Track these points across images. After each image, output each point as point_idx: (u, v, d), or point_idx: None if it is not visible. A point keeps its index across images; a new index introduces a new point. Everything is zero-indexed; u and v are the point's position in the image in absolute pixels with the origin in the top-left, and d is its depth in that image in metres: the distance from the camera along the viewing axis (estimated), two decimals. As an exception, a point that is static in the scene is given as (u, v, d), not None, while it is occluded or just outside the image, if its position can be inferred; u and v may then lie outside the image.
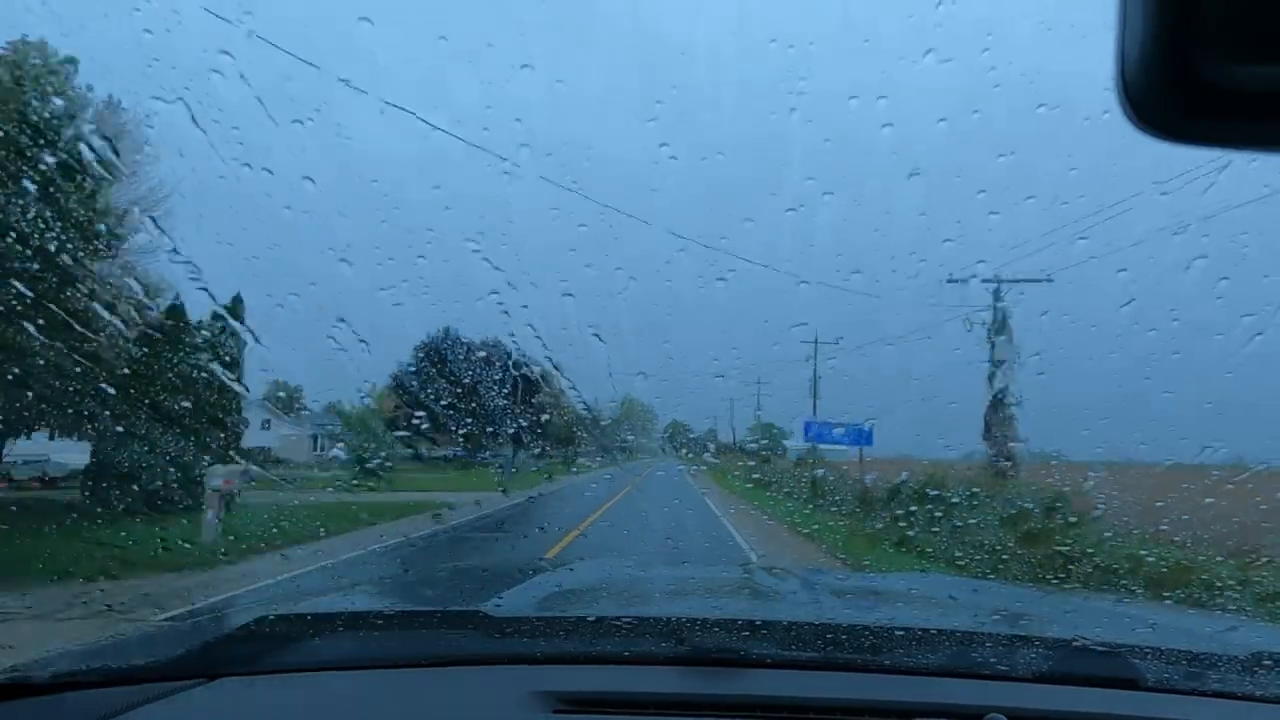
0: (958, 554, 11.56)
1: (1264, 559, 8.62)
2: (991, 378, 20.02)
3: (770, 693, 1.44)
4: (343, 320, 5.20)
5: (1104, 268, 16.85)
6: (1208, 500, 9.32)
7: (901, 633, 1.65)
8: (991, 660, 1.56)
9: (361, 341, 5.49)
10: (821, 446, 29.40)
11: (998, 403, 20.03)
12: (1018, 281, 20.26)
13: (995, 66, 8.05)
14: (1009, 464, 18.82)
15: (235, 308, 14.92)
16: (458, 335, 33.87)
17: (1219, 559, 8.79)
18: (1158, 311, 7.31)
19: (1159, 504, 10.68)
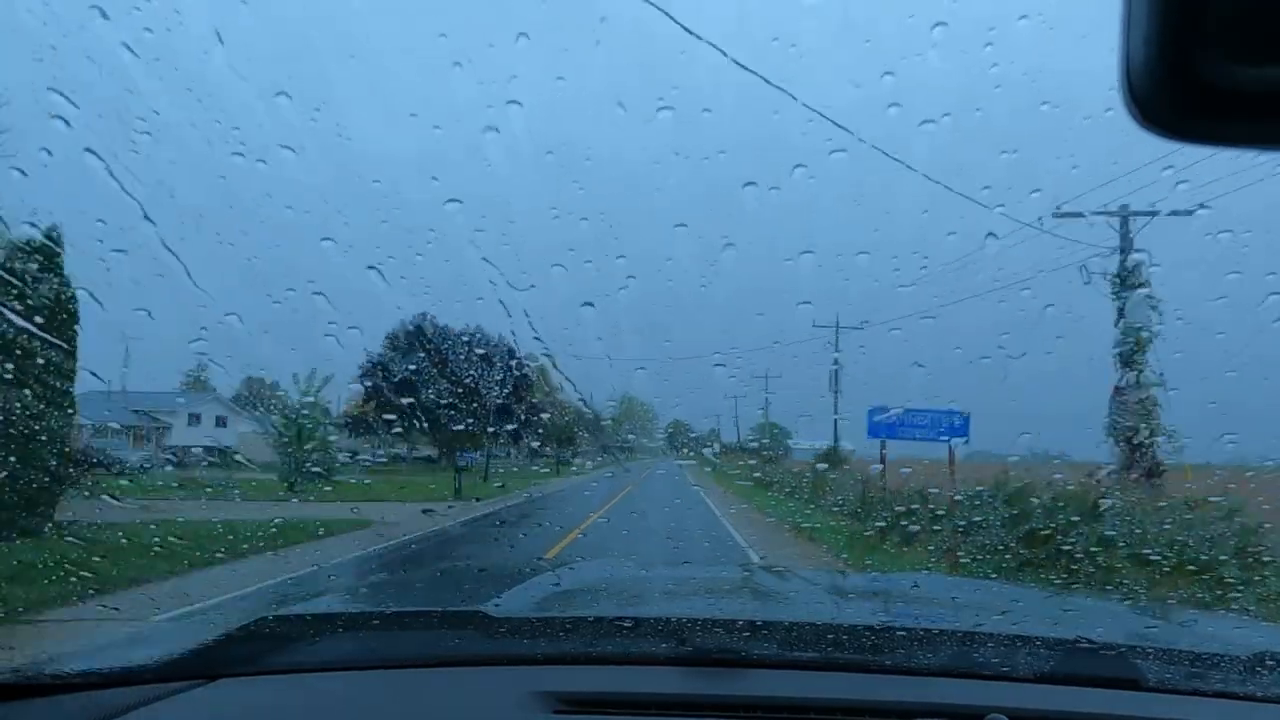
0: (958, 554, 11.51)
1: (1267, 558, 8.59)
2: (1125, 351, 14.97)
3: (771, 693, 1.43)
4: (333, 313, 5.16)
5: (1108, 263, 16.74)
6: (1211, 499, 9.32)
7: (902, 633, 1.64)
8: (993, 660, 1.55)
9: (353, 328, 5.47)
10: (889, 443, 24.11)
11: (1134, 386, 14.97)
12: (1154, 215, 14.98)
13: (997, 64, 8.05)
14: (1160, 473, 14.09)
15: (51, 235, 10.70)
16: (436, 322, 30.47)
17: (1222, 558, 8.76)
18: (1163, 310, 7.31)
19: (1162, 504, 10.68)
